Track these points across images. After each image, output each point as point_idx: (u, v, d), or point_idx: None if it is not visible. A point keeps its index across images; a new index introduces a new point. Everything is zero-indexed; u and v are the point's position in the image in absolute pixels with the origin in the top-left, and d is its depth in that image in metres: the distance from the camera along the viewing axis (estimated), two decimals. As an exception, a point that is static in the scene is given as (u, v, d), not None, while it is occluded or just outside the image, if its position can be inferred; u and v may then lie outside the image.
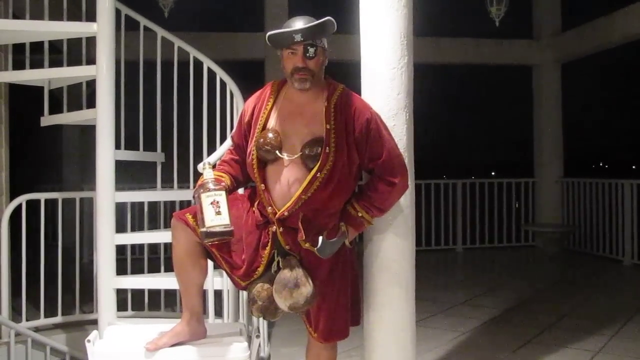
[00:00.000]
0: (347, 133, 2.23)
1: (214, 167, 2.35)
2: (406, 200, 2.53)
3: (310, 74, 2.21)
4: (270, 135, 2.25)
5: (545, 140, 8.51)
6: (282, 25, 2.23)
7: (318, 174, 2.19)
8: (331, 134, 2.21)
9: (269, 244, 2.27)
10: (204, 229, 2.10)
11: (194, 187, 2.28)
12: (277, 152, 2.23)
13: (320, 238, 2.21)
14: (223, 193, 2.13)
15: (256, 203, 2.33)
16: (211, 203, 2.09)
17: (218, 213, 2.09)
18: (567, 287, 6.11)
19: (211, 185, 2.13)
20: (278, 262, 2.26)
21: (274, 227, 2.25)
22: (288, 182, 2.23)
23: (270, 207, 2.25)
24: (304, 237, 2.22)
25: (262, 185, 2.27)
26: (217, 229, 2.09)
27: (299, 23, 2.18)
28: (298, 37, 2.15)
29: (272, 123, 2.31)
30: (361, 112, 2.28)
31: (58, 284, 4.28)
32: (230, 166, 2.43)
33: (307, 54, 2.19)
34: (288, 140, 2.26)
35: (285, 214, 2.22)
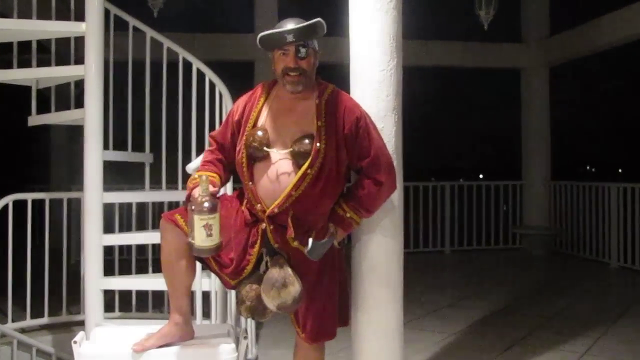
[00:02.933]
0: (337, 131, 2.25)
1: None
2: (394, 202, 2.54)
3: (302, 74, 2.22)
4: (260, 132, 2.26)
5: (533, 143, 8.56)
6: (273, 26, 2.24)
7: (309, 170, 2.20)
8: (322, 131, 2.23)
9: (258, 243, 2.27)
10: (192, 243, 2.10)
11: (183, 187, 2.27)
12: (265, 148, 2.24)
13: (310, 240, 2.22)
14: (217, 216, 2.09)
15: (245, 202, 2.34)
16: (203, 226, 2.07)
17: (209, 235, 2.08)
18: (554, 289, 6.14)
19: (206, 206, 2.06)
20: (266, 262, 2.26)
21: (264, 224, 2.26)
22: (278, 179, 2.24)
23: (259, 205, 2.25)
24: (292, 234, 2.23)
25: (250, 183, 2.27)
26: (206, 249, 2.10)
27: (290, 24, 2.19)
28: (290, 38, 2.16)
29: (262, 121, 2.32)
30: (351, 110, 2.29)
31: (45, 284, 4.25)
32: (216, 166, 2.42)
33: (299, 54, 2.20)
34: (278, 137, 2.27)
35: (276, 210, 2.23)
